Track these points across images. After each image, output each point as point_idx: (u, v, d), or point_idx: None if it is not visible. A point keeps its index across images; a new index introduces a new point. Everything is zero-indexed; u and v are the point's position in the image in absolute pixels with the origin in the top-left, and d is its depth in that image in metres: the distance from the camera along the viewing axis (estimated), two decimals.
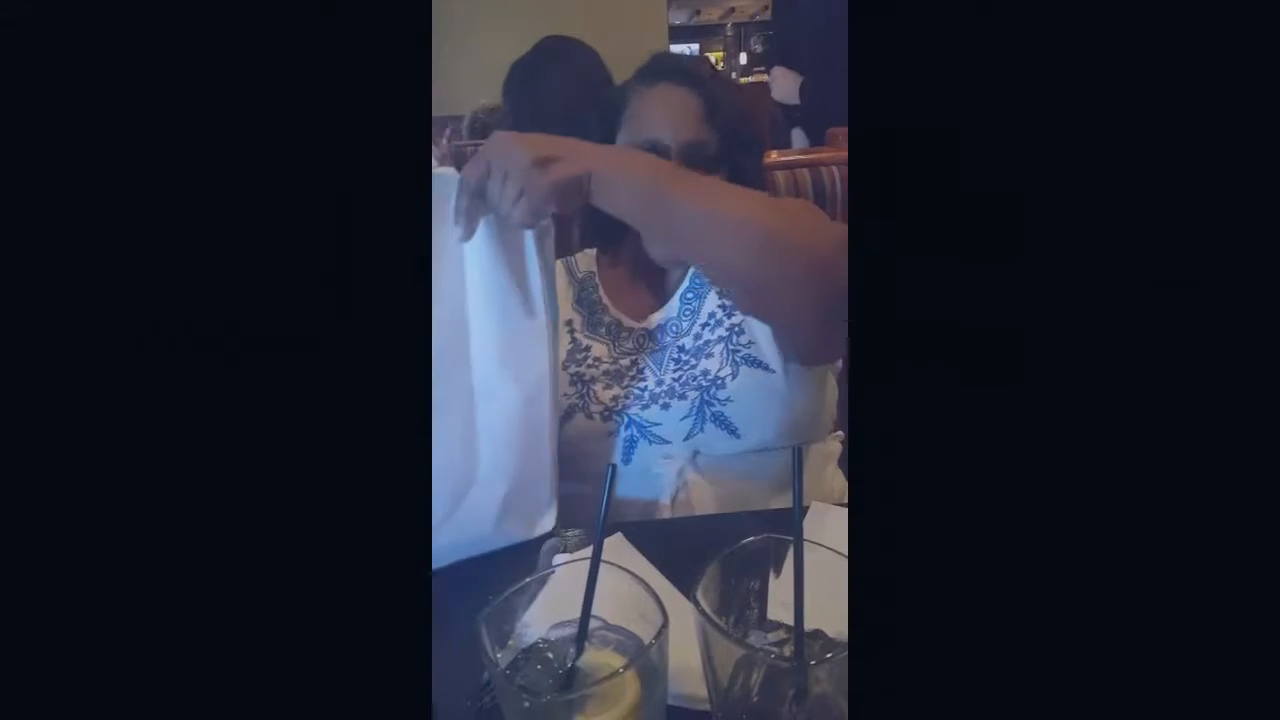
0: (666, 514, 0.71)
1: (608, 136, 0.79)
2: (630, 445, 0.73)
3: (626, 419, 0.73)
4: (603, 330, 0.80)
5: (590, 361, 0.77)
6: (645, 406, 0.73)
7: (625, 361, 0.77)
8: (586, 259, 0.87)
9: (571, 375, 0.76)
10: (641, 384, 0.75)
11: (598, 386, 0.75)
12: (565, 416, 0.73)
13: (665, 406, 0.72)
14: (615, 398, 0.74)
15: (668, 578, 0.53)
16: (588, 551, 0.53)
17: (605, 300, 0.82)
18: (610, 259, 0.85)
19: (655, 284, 0.82)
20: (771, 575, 0.41)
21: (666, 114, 0.75)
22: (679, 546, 0.53)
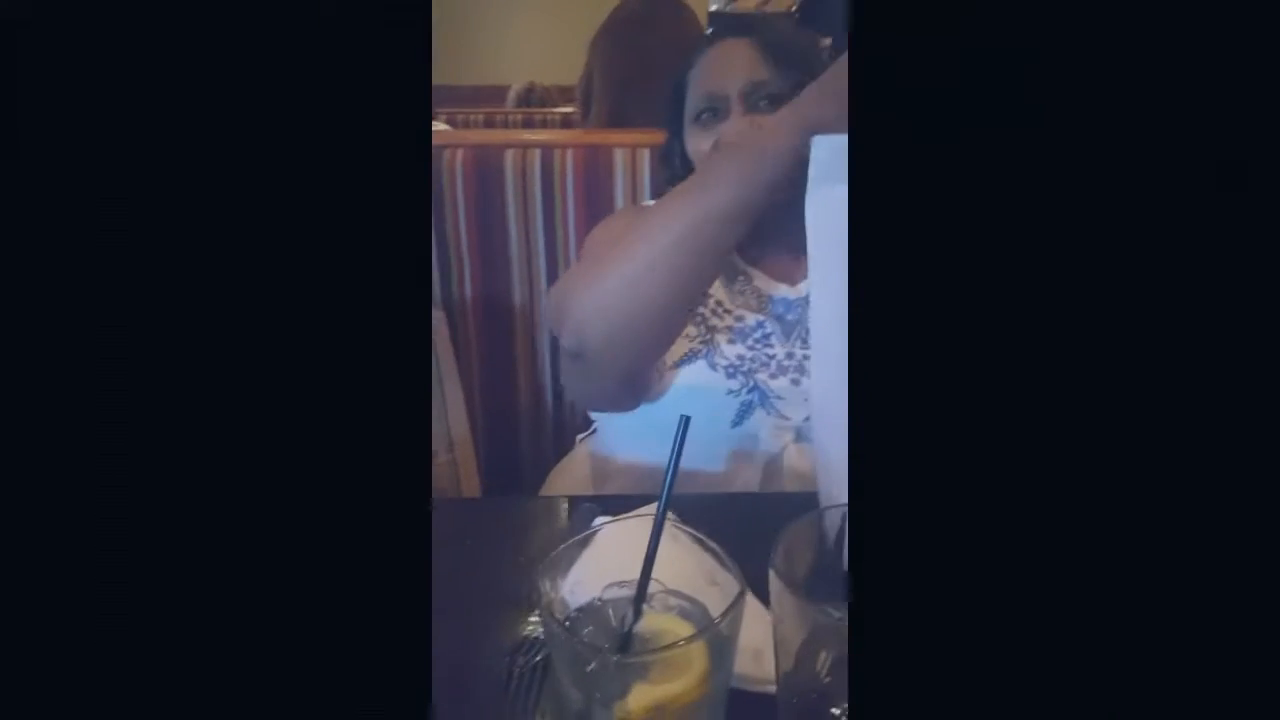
0: (754, 484, 0.68)
1: (679, 102, 0.78)
2: (746, 409, 0.70)
3: (752, 382, 0.70)
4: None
5: (712, 305, 0.74)
6: (773, 376, 0.70)
7: (750, 320, 0.73)
8: None
9: (694, 314, 0.72)
10: (769, 350, 0.71)
11: (721, 338, 0.72)
12: (685, 360, 0.70)
13: (795, 382, 0.69)
14: (741, 357, 0.71)
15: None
16: (636, 514, 0.50)
17: None
18: None
19: (764, 238, 0.76)
20: (846, 548, 0.38)
21: (725, 66, 0.74)
22: (720, 523, 0.50)
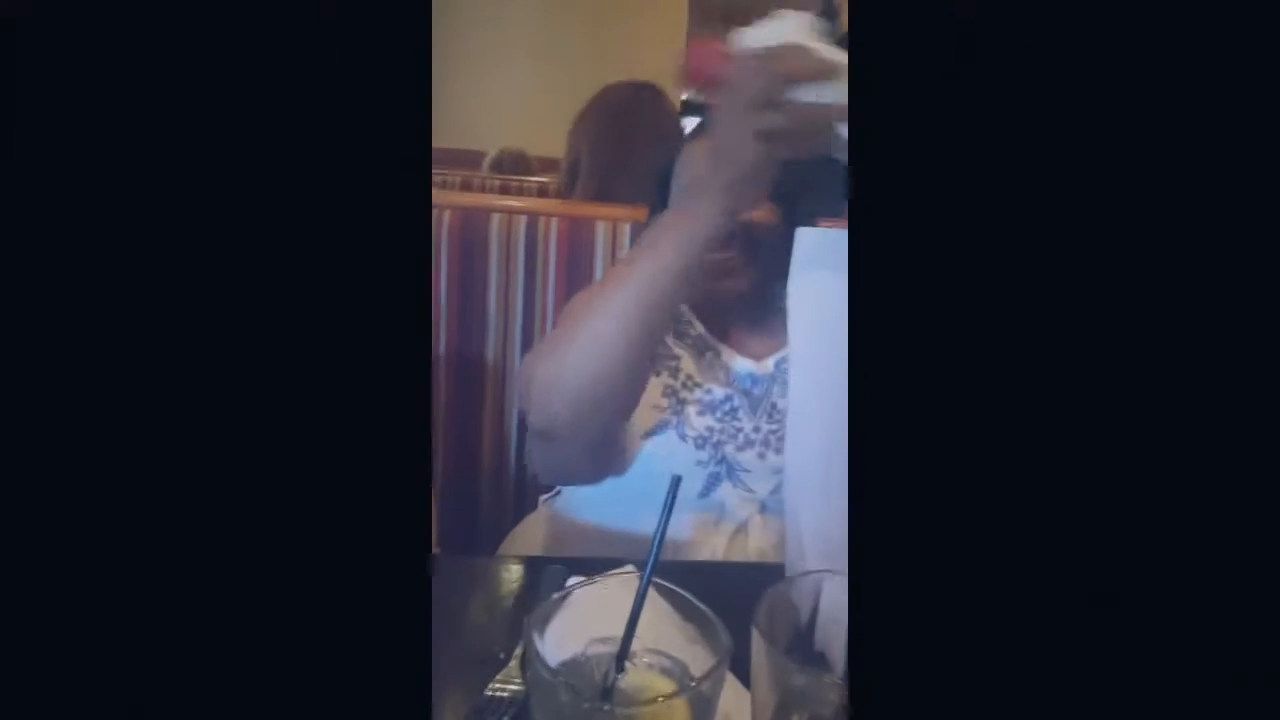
0: (719, 552, 0.69)
1: (666, 182, 0.81)
2: (714, 481, 0.71)
3: (720, 454, 0.71)
4: (689, 341, 0.79)
5: (683, 378, 0.76)
6: (740, 449, 0.72)
7: (719, 394, 0.75)
8: None
9: (664, 386, 0.74)
10: (736, 423, 0.73)
11: (691, 410, 0.74)
12: (655, 430, 0.71)
13: (761, 456, 0.71)
14: (710, 429, 0.72)
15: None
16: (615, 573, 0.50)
17: (690, 314, 0.81)
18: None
19: (734, 316, 0.81)
20: (821, 613, 0.39)
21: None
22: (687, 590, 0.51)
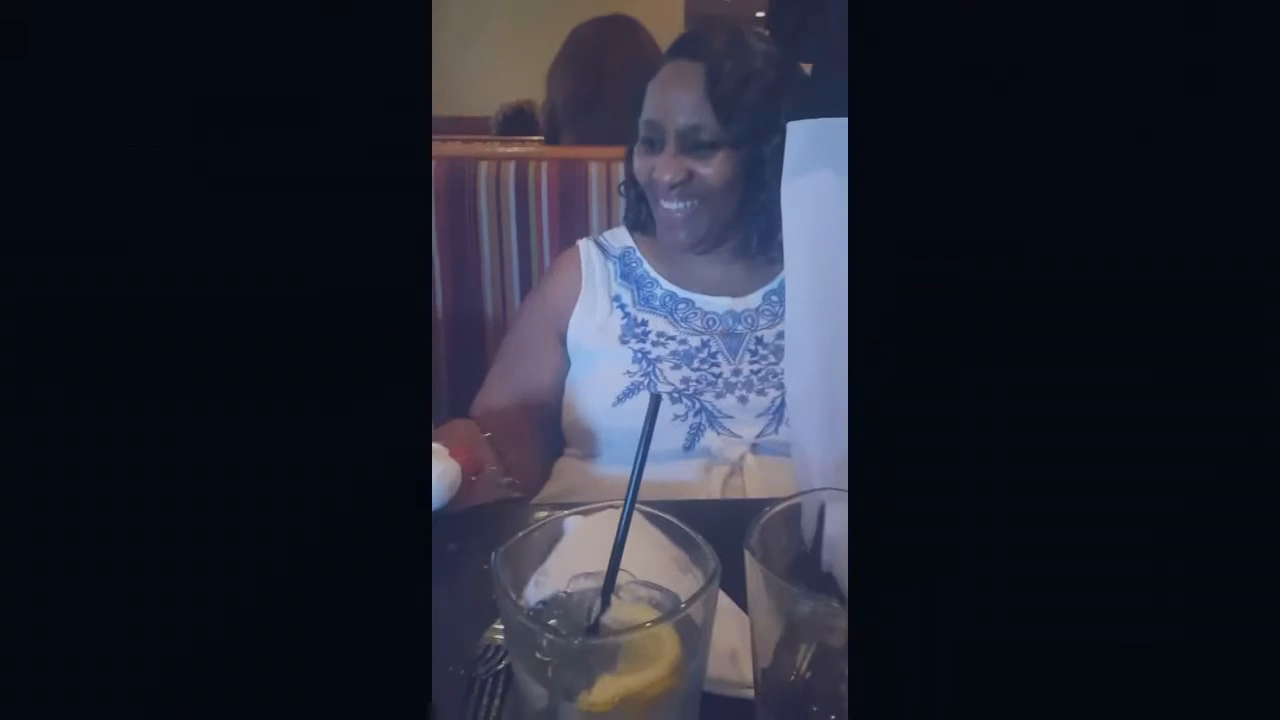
0: (716, 495, 0.66)
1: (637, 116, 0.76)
2: (696, 432, 0.68)
3: (698, 404, 0.68)
4: (657, 303, 0.76)
5: (654, 337, 0.72)
6: (720, 395, 0.68)
7: (694, 342, 0.72)
8: (618, 235, 0.83)
9: (634, 352, 0.71)
10: (715, 369, 0.70)
11: (665, 365, 0.70)
12: (627, 394, 0.69)
13: (743, 400, 0.68)
14: (686, 379, 0.69)
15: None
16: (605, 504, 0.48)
17: (654, 274, 0.78)
18: (645, 238, 0.81)
19: (709, 259, 0.77)
20: (825, 538, 0.36)
21: (671, 95, 0.69)
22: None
